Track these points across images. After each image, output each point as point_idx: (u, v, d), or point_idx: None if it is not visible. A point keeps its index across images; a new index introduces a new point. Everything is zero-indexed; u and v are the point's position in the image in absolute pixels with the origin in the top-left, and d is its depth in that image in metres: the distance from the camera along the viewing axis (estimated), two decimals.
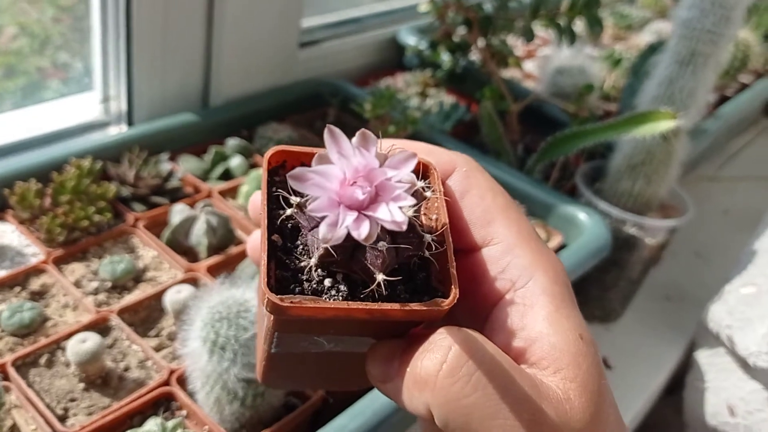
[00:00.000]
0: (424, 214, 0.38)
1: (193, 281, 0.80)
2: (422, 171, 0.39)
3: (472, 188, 0.40)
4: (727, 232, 1.32)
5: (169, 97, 1.02)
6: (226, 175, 0.97)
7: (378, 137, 0.35)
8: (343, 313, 0.33)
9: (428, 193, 0.37)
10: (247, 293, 0.66)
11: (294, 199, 0.35)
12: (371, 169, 0.33)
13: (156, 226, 0.87)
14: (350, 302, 0.34)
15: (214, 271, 0.82)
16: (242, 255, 0.84)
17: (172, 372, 0.70)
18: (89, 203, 0.83)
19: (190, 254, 0.85)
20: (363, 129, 0.34)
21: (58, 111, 1.00)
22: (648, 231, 0.98)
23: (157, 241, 0.84)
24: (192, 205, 0.88)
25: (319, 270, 0.35)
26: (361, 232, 0.32)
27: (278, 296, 0.33)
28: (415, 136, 1.01)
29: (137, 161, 0.91)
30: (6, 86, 1.02)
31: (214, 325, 0.63)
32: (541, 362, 0.35)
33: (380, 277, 0.33)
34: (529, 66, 1.36)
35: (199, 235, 0.84)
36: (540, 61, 1.32)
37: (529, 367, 0.35)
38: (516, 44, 1.27)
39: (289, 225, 0.37)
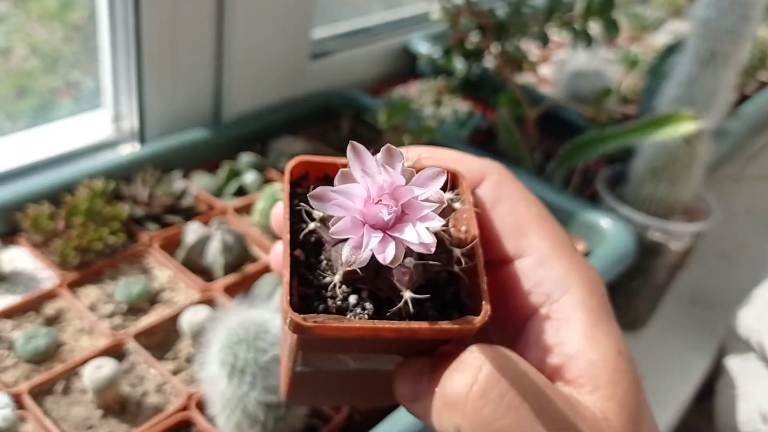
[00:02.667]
0: (453, 226, 0.37)
1: (210, 301, 0.79)
2: (450, 180, 0.37)
3: (504, 198, 0.38)
4: (752, 233, 1.30)
5: (180, 113, 1.01)
6: (240, 192, 0.96)
7: (400, 150, 0.33)
8: (369, 333, 0.32)
9: (457, 205, 0.36)
10: (265, 314, 0.65)
11: (317, 213, 0.34)
12: (397, 186, 0.32)
13: (170, 246, 0.85)
14: (376, 321, 0.32)
15: (231, 290, 0.80)
16: (259, 273, 0.83)
17: (190, 396, 0.68)
18: (103, 224, 0.82)
19: (205, 273, 0.83)
20: (388, 144, 0.32)
21: (70, 131, 0.99)
22: (673, 235, 0.95)
23: (172, 261, 0.83)
24: (206, 223, 0.86)
25: (343, 286, 0.34)
26: (387, 255, 0.31)
27: (301, 315, 0.32)
28: (431, 145, 0.99)
29: (150, 180, 0.89)
30: (19, 106, 1.02)
31: (233, 348, 0.62)
32: (577, 380, 0.34)
33: (407, 294, 0.32)
34: (544, 70, 1.34)
35: (214, 254, 0.82)
36: (555, 65, 1.30)
37: (565, 385, 0.34)
38: (530, 49, 1.25)
39: (313, 239, 0.36)
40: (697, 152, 0.92)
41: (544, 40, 0.97)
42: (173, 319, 0.76)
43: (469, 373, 0.32)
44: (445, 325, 0.32)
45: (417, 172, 0.34)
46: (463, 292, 0.35)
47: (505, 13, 1.04)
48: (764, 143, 1.44)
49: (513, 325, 0.37)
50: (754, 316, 0.95)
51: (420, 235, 0.31)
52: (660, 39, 1.31)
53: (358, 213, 0.32)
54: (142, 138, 1.00)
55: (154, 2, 0.90)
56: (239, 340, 0.62)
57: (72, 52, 1.08)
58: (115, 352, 0.72)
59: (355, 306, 0.34)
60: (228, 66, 1.02)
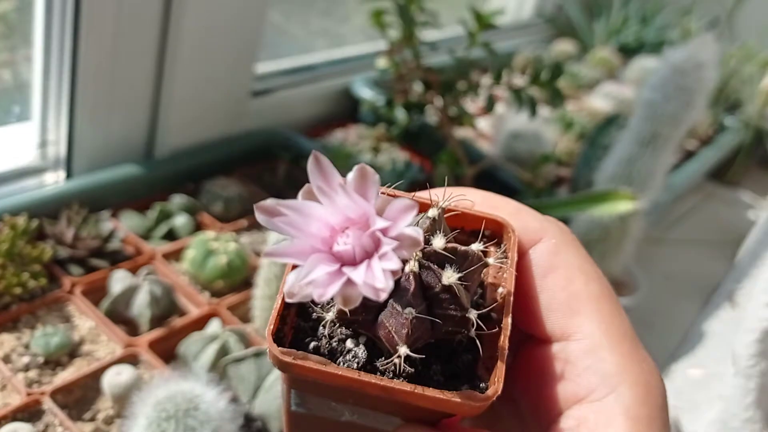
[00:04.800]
0: (491, 283, 0.33)
1: (134, 358, 0.75)
2: (496, 232, 0.34)
3: (560, 266, 0.33)
4: (669, 298, 1.33)
5: (112, 145, 0.96)
6: (170, 235, 0.92)
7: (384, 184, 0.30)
8: (354, 385, 0.29)
9: (490, 260, 0.31)
10: (197, 387, 0.62)
11: None
12: (366, 216, 0.27)
13: (94, 292, 0.81)
14: (362, 373, 0.29)
15: (156, 345, 0.77)
16: (186, 328, 0.79)
17: None
18: (23, 267, 0.77)
19: (129, 325, 0.80)
20: (362, 164, 0.27)
21: None
22: None
23: (95, 311, 0.79)
24: (134, 272, 0.83)
25: (343, 328, 0.30)
26: (327, 291, 0.26)
27: (281, 349, 0.29)
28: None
29: (76, 219, 0.85)
30: None
31: (161, 425, 0.59)
32: None
33: (403, 350, 0.28)
34: (481, 123, 1.34)
35: (141, 307, 0.78)
36: (493, 120, 1.31)
37: None
38: (470, 101, 1.25)
39: None
40: (630, 229, 0.95)
41: (490, 107, 0.97)
42: (94, 376, 0.72)
43: None
44: (440, 394, 0.28)
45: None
46: (481, 364, 0.31)
47: (451, 71, 1.04)
48: (687, 209, 1.49)
49: (545, 415, 0.32)
50: (671, 392, 0.98)
51: (374, 275, 0.26)
52: (596, 101, 1.34)
53: (315, 239, 0.27)
54: (68, 168, 0.95)
55: (96, 23, 0.85)
56: (168, 416, 0.59)
57: None
58: (30, 411, 0.68)
59: (348, 351, 0.30)
60: (167, 98, 0.97)
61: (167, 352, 0.77)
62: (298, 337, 0.31)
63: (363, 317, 0.29)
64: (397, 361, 0.28)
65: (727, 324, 1.01)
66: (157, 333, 0.78)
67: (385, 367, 0.29)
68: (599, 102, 1.35)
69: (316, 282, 0.26)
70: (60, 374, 0.73)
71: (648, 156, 0.92)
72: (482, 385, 0.30)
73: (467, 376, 0.31)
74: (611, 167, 0.95)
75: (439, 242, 0.29)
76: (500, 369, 0.29)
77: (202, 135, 1.05)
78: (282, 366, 0.29)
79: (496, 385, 0.29)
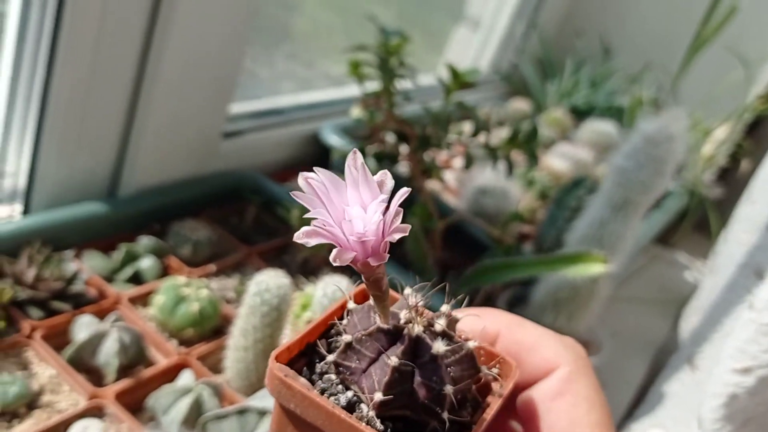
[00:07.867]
0: (479, 403, 0.36)
1: (99, 410, 0.71)
2: (503, 366, 0.37)
3: (568, 393, 0.37)
4: (617, 355, 1.35)
5: (75, 180, 0.92)
6: (136, 278, 0.88)
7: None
8: (323, 414, 0.31)
9: (483, 368, 0.35)
10: None
11: (351, 304, 0.35)
12: (377, 200, 0.32)
13: (55, 337, 0.76)
14: (336, 407, 0.32)
15: (123, 397, 0.72)
16: (155, 379, 0.76)
17: None
18: None
19: (92, 373, 0.75)
20: (385, 170, 0.32)
21: None
22: None
23: (56, 358, 0.74)
24: (99, 316, 0.78)
25: (340, 386, 0.33)
26: (321, 240, 0.31)
27: (278, 365, 0.33)
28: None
29: (38, 259, 0.80)
30: None
31: None
32: None
33: (377, 396, 0.31)
34: (446, 176, 1.35)
35: (108, 355, 0.74)
36: (459, 174, 1.32)
37: None
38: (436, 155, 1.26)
39: (338, 344, 0.35)
40: (599, 290, 0.96)
41: (469, 163, 0.98)
42: (55, 430, 0.67)
43: None
44: None
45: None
46: None
47: (428, 124, 1.04)
48: (635, 269, 1.53)
49: None
50: None
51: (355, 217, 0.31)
52: (554, 161, 1.37)
53: (332, 208, 0.32)
54: (26, 202, 0.90)
55: (73, 55, 0.82)
56: None
57: None
58: None
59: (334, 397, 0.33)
60: (137, 133, 0.94)
61: (134, 404, 0.73)
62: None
63: (357, 365, 0.32)
64: (370, 413, 0.31)
65: (687, 386, 1.02)
66: (124, 384, 0.74)
67: (358, 416, 0.32)
68: (557, 162, 1.37)
69: (317, 232, 0.31)
70: (17, 427, 0.68)
71: (619, 220, 0.94)
72: None
73: None
74: (583, 229, 0.96)
75: (441, 322, 0.34)
76: None
77: (169, 174, 1.01)
78: (274, 383, 0.32)
79: None
